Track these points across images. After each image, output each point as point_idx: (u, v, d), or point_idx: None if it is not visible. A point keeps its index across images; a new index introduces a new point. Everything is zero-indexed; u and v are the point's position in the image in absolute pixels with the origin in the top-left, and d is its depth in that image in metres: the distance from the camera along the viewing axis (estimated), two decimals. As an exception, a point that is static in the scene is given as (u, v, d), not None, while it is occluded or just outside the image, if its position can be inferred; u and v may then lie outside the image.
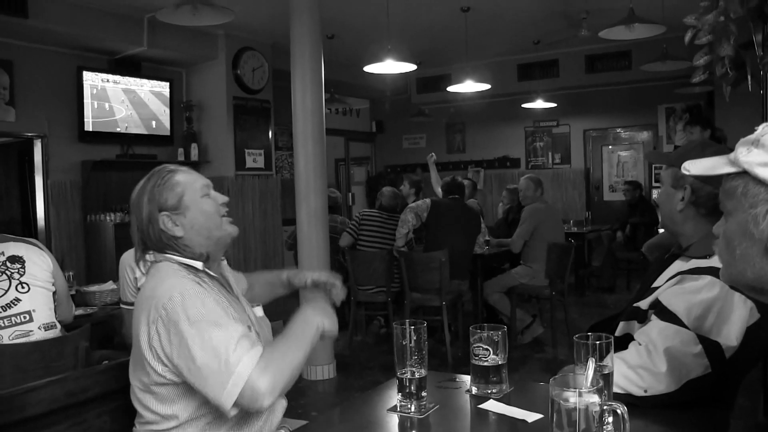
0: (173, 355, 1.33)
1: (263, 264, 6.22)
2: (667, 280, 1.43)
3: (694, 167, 0.95)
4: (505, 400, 1.39)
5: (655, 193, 7.25)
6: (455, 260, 4.52)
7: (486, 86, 6.26)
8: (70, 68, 5.45)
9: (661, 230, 1.68)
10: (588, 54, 7.51)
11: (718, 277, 1.09)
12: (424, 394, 1.36)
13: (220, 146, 6.27)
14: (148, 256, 1.52)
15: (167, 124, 6.12)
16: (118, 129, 5.75)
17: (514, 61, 7.93)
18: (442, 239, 4.58)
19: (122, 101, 5.77)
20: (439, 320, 4.51)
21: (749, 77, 2.29)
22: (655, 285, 1.47)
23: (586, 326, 1.59)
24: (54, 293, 2.44)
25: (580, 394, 1.01)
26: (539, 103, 7.35)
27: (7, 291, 2.29)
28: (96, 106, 5.57)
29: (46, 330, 2.34)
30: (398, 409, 1.37)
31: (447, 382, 1.54)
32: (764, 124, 0.92)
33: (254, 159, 6.42)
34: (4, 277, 2.30)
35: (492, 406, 1.37)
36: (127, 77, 5.80)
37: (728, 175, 0.92)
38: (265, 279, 1.95)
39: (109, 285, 3.22)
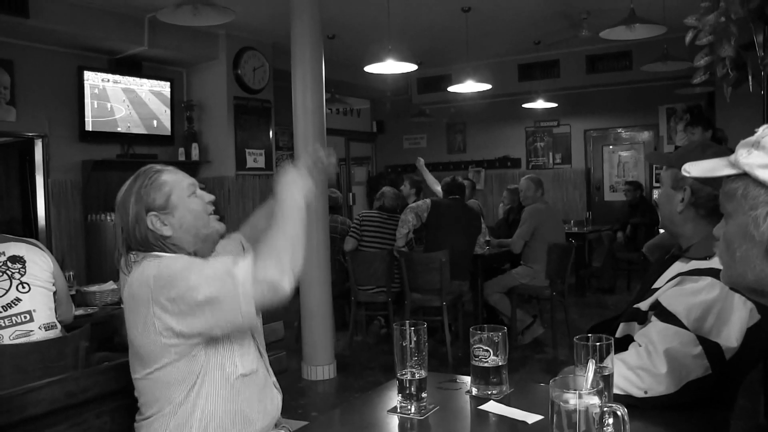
0: (178, 312, 1.34)
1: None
2: (667, 282, 1.43)
3: (695, 169, 0.95)
4: (505, 401, 1.39)
5: (655, 194, 7.24)
6: (456, 260, 4.52)
7: (487, 86, 6.25)
8: (71, 68, 5.46)
9: (662, 231, 1.68)
10: (589, 54, 7.51)
11: (718, 278, 1.09)
12: (424, 395, 1.36)
13: (221, 146, 6.27)
14: (131, 256, 1.51)
15: (168, 123, 6.12)
16: (119, 129, 5.76)
17: (515, 61, 7.93)
18: (442, 239, 4.58)
19: (122, 101, 5.77)
20: (440, 321, 4.51)
21: (750, 78, 2.29)
22: (655, 286, 1.47)
23: (587, 327, 1.59)
24: (54, 293, 2.44)
25: (581, 396, 1.01)
26: (540, 104, 7.34)
27: (7, 291, 2.29)
28: (96, 106, 5.58)
29: (46, 330, 2.34)
30: (398, 410, 1.37)
31: (447, 383, 1.54)
32: (764, 126, 0.92)
33: (255, 159, 6.43)
34: (5, 277, 2.30)
35: (492, 407, 1.37)
36: (127, 77, 5.80)
37: (728, 176, 0.92)
38: (263, 213, 1.95)
39: (110, 285, 3.22)
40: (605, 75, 7.55)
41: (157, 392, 1.42)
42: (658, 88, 7.49)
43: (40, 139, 5.38)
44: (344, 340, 4.89)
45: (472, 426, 1.37)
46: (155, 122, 6.04)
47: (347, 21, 5.86)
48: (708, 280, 1.33)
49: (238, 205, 6.17)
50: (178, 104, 6.23)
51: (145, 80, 5.94)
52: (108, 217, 5.40)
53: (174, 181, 1.53)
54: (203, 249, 1.56)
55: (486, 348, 1.41)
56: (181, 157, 6.14)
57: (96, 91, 5.57)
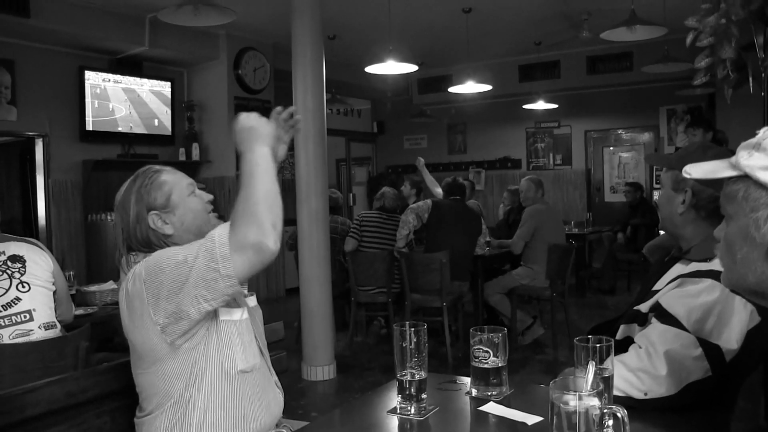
0: (168, 293, 1.33)
1: (264, 264, 6.22)
2: (667, 283, 1.43)
3: (695, 170, 0.95)
4: (505, 402, 1.39)
5: (656, 195, 7.24)
6: (456, 261, 4.52)
7: (487, 87, 6.26)
8: (72, 68, 5.46)
9: (662, 232, 1.68)
10: (589, 55, 7.52)
11: (718, 280, 1.09)
12: (424, 396, 1.36)
13: (222, 146, 6.27)
14: (131, 257, 1.51)
15: (168, 123, 6.12)
16: (119, 129, 5.76)
17: (516, 62, 7.94)
18: (442, 240, 4.58)
19: (123, 101, 5.78)
20: (440, 321, 4.51)
21: (750, 79, 2.29)
22: (655, 288, 1.47)
23: (587, 328, 1.59)
24: (54, 293, 2.44)
25: (581, 398, 1.01)
26: (540, 104, 7.34)
27: (7, 290, 2.29)
28: (97, 106, 5.58)
29: (46, 329, 2.34)
30: (398, 411, 1.37)
31: (447, 384, 1.54)
32: (765, 128, 0.92)
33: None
34: (5, 276, 2.30)
35: (492, 408, 1.37)
36: (128, 77, 5.80)
37: (729, 178, 0.92)
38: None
39: (110, 285, 3.22)
40: (606, 76, 7.55)
41: (156, 387, 1.42)
42: (659, 90, 7.49)
43: (41, 139, 5.38)
44: (344, 340, 4.89)
45: (472, 427, 1.37)
46: (156, 122, 6.04)
47: (348, 21, 5.86)
48: (708, 282, 1.33)
49: (239, 205, 6.16)
50: (178, 104, 6.23)
51: (145, 80, 5.94)
52: (108, 217, 5.41)
53: (174, 181, 1.53)
54: None
55: (486, 349, 1.41)
56: (182, 157, 6.14)
57: (97, 90, 5.57)
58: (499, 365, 1.42)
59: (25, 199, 6.04)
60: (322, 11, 4.31)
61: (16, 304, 2.29)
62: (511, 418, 1.31)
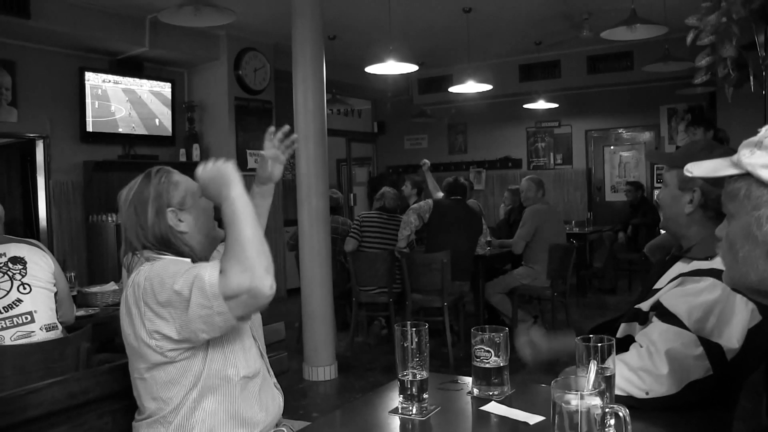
0: (168, 316, 1.33)
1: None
2: (668, 282, 1.43)
3: (697, 169, 0.95)
4: (506, 402, 1.39)
5: (656, 194, 7.21)
6: (457, 261, 4.52)
7: (488, 87, 6.25)
8: (72, 69, 5.46)
9: (663, 231, 1.67)
10: (590, 55, 7.51)
11: (719, 279, 1.08)
12: (425, 396, 1.36)
13: (222, 147, 6.27)
14: (136, 256, 1.50)
15: (169, 124, 6.13)
16: (120, 129, 5.76)
17: (516, 61, 7.93)
18: (443, 240, 4.58)
19: (124, 101, 5.78)
20: (441, 321, 4.50)
21: (751, 78, 2.29)
22: (656, 287, 1.47)
23: (588, 327, 1.58)
24: (55, 294, 2.44)
25: (582, 397, 1.01)
26: (541, 104, 7.34)
27: (8, 292, 2.29)
28: (97, 107, 5.58)
29: (47, 331, 2.35)
30: (399, 411, 1.37)
31: (448, 384, 1.53)
32: (767, 126, 0.91)
33: (256, 160, 6.40)
34: (6, 277, 2.30)
35: (493, 408, 1.37)
36: (128, 78, 5.80)
37: (731, 177, 0.92)
38: None
39: (111, 286, 3.22)
40: (606, 75, 7.55)
41: (154, 392, 1.42)
42: (660, 89, 7.48)
43: (42, 140, 5.38)
44: (345, 340, 4.89)
45: (474, 427, 1.37)
46: (156, 123, 6.05)
47: (348, 22, 5.86)
48: (710, 280, 1.33)
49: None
50: (179, 105, 6.24)
51: (146, 81, 5.94)
52: (109, 218, 5.40)
53: (186, 181, 1.55)
54: (208, 250, 1.57)
55: (487, 349, 1.41)
56: (182, 158, 6.14)
57: (97, 91, 5.57)
58: (501, 365, 1.42)
59: (26, 201, 6.04)
60: (323, 11, 4.31)
61: (17, 305, 2.29)
62: (513, 417, 1.31)
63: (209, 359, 1.42)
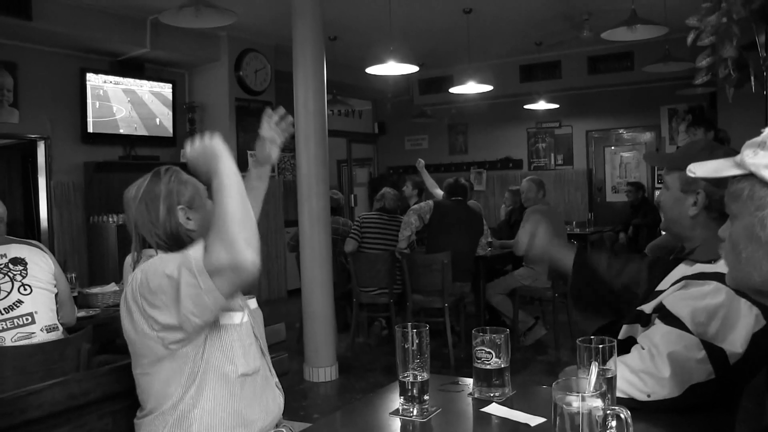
0: (161, 303, 1.33)
1: (265, 265, 6.22)
2: (671, 285, 1.42)
3: (700, 169, 0.94)
4: (507, 403, 1.39)
5: (657, 195, 7.20)
6: (458, 262, 4.52)
7: (488, 87, 6.25)
8: (73, 70, 5.47)
9: (664, 232, 1.66)
10: (590, 55, 7.51)
11: (723, 282, 1.08)
12: (426, 397, 1.36)
13: (223, 147, 6.26)
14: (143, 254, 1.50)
15: (170, 125, 6.13)
16: (121, 130, 5.77)
17: (517, 62, 7.94)
18: (444, 241, 4.57)
19: (125, 102, 5.78)
20: (442, 322, 4.50)
21: (752, 78, 2.29)
22: (659, 288, 1.46)
23: (589, 328, 1.58)
24: (56, 295, 2.44)
25: (584, 398, 1.01)
26: (541, 104, 7.34)
27: (9, 293, 2.29)
28: (98, 107, 5.58)
29: (48, 332, 2.34)
30: (400, 412, 1.36)
31: (449, 386, 1.53)
32: (769, 127, 0.91)
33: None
34: (7, 279, 2.30)
35: (494, 409, 1.36)
36: (129, 79, 5.81)
37: (734, 177, 0.92)
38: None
39: (112, 287, 3.22)
40: (607, 76, 7.55)
41: (155, 388, 1.43)
42: (660, 89, 7.48)
43: (43, 141, 5.39)
44: (346, 341, 4.88)
45: (475, 428, 1.36)
46: (157, 123, 6.05)
47: (349, 22, 5.86)
48: (713, 284, 1.32)
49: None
50: (179, 106, 6.24)
51: (146, 82, 5.94)
52: (110, 219, 5.40)
53: (194, 181, 1.56)
54: None
55: (488, 350, 1.41)
56: (183, 159, 6.13)
57: (98, 92, 5.57)
58: (502, 366, 1.42)
59: (27, 201, 6.05)
60: (323, 12, 4.31)
61: (18, 306, 2.29)
62: (514, 419, 1.31)
63: (207, 354, 1.42)
